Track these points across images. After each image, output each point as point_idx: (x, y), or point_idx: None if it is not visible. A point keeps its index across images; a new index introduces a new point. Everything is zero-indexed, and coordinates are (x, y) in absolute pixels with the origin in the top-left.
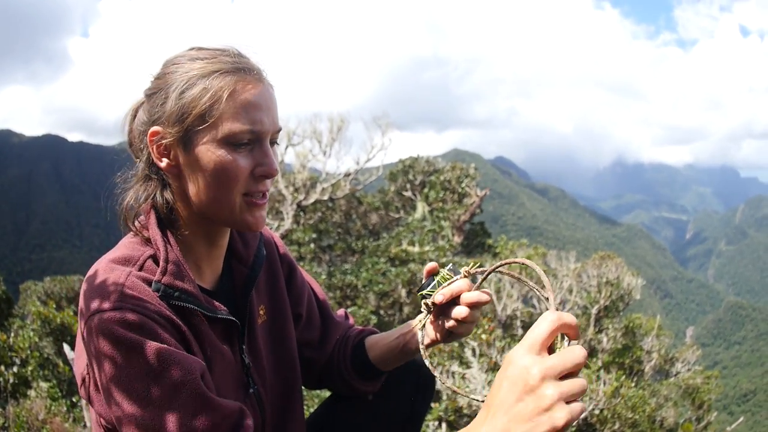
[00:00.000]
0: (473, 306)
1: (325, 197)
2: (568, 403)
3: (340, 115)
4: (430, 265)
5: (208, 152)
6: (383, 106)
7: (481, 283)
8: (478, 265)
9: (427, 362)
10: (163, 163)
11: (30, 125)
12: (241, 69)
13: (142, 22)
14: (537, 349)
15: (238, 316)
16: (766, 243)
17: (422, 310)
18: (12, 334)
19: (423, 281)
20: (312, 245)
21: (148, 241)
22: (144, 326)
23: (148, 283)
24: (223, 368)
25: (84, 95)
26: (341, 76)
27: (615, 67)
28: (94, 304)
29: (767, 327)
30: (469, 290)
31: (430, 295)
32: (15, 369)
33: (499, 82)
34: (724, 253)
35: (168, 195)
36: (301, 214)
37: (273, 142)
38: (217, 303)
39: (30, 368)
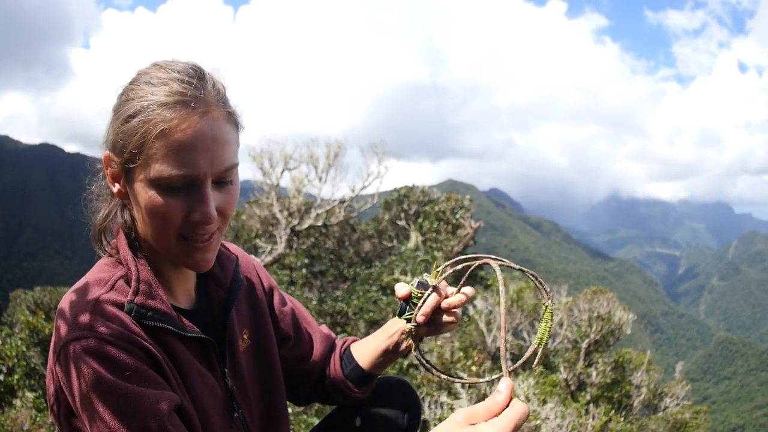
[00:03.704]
0: (457, 307)
1: (319, 223)
2: None
3: (337, 141)
4: (403, 291)
5: (142, 191)
6: (379, 133)
7: (462, 285)
8: (439, 271)
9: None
10: (115, 188)
11: (27, 133)
12: (184, 102)
13: (144, 35)
14: (472, 420)
15: (217, 339)
16: (759, 279)
17: (409, 332)
18: None
19: (400, 305)
20: (304, 270)
21: (119, 262)
22: (110, 355)
23: (119, 305)
24: (204, 390)
25: (82, 106)
26: (338, 101)
27: (613, 101)
28: (64, 332)
29: (757, 362)
30: (446, 296)
31: (410, 318)
32: (1, 377)
33: (496, 113)
34: (716, 289)
35: (127, 216)
36: (295, 238)
37: (222, 182)
38: (188, 322)
39: (16, 377)
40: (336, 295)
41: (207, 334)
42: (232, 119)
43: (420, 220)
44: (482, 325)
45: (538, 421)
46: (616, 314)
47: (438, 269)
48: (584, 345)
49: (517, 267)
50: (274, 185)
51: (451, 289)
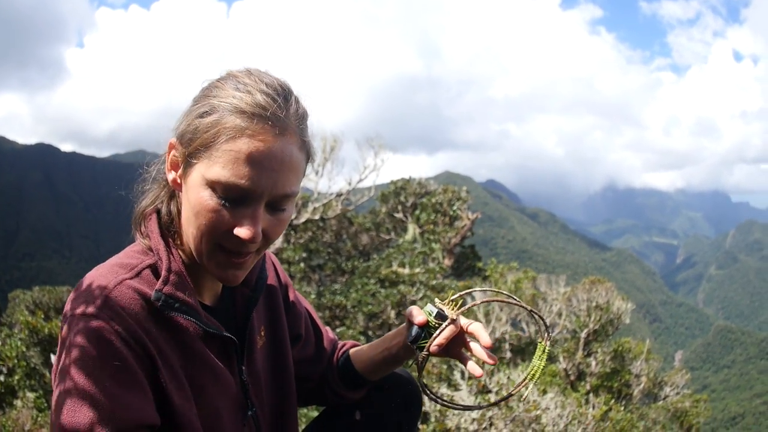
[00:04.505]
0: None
1: (317, 217)
2: None
3: (333, 134)
4: (420, 319)
5: (197, 188)
6: (375, 126)
7: (469, 307)
8: (459, 304)
9: (429, 398)
10: (171, 176)
11: (22, 133)
12: (264, 116)
13: (138, 34)
14: None
15: (237, 336)
16: (756, 267)
17: (418, 360)
18: None
19: (414, 331)
20: (302, 264)
21: (150, 250)
22: (109, 342)
23: (140, 293)
24: (219, 389)
25: (77, 105)
26: (333, 95)
27: (609, 91)
28: (75, 306)
29: (756, 351)
30: (461, 329)
31: (424, 345)
32: (2, 378)
33: (491, 104)
34: (714, 278)
35: (173, 206)
36: (292, 233)
37: (277, 208)
38: (213, 320)
39: (17, 378)
40: (334, 289)
41: (228, 331)
42: (305, 148)
43: (417, 212)
44: (481, 316)
45: (538, 411)
46: (614, 304)
47: (454, 299)
48: (583, 335)
49: (529, 308)
50: None
51: (465, 321)
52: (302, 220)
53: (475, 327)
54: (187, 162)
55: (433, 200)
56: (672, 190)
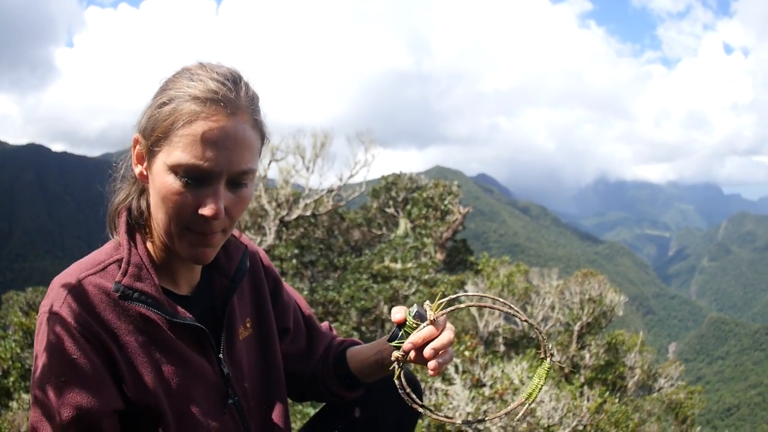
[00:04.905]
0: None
1: (308, 213)
2: None
3: (323, 130)
4: (398, 316)
5: (160, 175)
6: (365, 121)
7: (454, 310)
8: (442, 305)
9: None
10: (137, 170)
11: (13, 133)
12: (216, 100)
13: (127, 33)
14: None
15: (216, 326)
16: (749, 259)
17: (392, 359)
18: None
19: (393, 330)
20: (294, 261)
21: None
22: (66, 337)
23: (102, 289)
24: (190, 377)
25: (68, 105)
26: (323, 91)
27: (599, 84)
28: (43, 304)
29: (750, 342)
30: (436, 333)
31: (401, 345)
32: None
33: (481, 98)
34: (707, 270)
35: (143, 202)
36: (284, 229)
37: (237, 184)
38: (181, 309)
39: (12, 379)
40: (327, 285)
41: (204, 321)
42: (258, 127)
43: (408, 207)
44: (474, 310)
45: (533, 405)
46: (607, 296)
47: (440, 306)
48: (577, 328)
49: (524, 317)
50: (262, 177)
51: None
52: (294, 216)
53: (446, 335)
54: (150, 152)
55: (425, 195)
56: (664, 183)
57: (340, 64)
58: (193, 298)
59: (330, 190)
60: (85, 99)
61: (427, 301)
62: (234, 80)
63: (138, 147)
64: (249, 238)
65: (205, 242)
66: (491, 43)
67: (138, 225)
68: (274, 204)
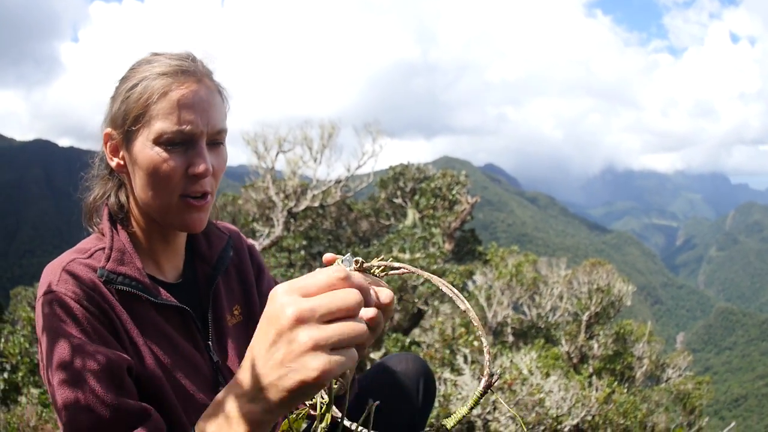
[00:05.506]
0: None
1: (316, 204)
2: (332, 350)
3: (330, 121)
4: (328, 256)
5: (144, 150)
6: (372, 112)
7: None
8: (363, 264)
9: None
10: (114, 162)
11: (20, 129)
12: (181, 71)
13: (132, 26)
14: (301, 292)
15: (202, 313)
16: (757, 249)
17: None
18: (2, 340)
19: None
20: (302, 252)
21: (103, 235)
22: (69, 306)
23: (92, 268)
24: (177, 358)
25: (74, 100)
26: (330, 81)
27: (606, 74)
28: (39, 290)
29: (758, 332)
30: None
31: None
32: (5, 375)
33: (488, 88)
34: (715, 260)
35: (122, 196)
36: (292, 221)
37: (216, 143)
38: (165, 292)
39: (20, 374)
40: None
41: (191, 308)
42: (220, 92)
43: (416, 197)
44: (482, 300)
45: (542, 395)
46: (615, 286)
47: (370, 264)
48: (585, 317)
49: (460, 298)
50: (270, 168)
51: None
52: (302, 207)
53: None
54: (127, 137)
55: (432, 185)
56: (671, 172)
57: (348, 56)
58: (180, 286)
59: (338, 181)
60: (90, 93)
61: (357, 257)
62: (190, 57)
63: (110, 141)
64: (255, 229)
65: (198, 207)
66: (498, 32)
67: (117, 218)
68: (282, 195)
